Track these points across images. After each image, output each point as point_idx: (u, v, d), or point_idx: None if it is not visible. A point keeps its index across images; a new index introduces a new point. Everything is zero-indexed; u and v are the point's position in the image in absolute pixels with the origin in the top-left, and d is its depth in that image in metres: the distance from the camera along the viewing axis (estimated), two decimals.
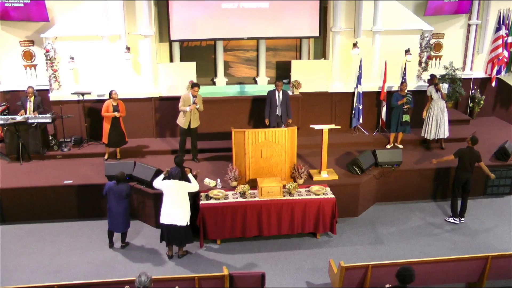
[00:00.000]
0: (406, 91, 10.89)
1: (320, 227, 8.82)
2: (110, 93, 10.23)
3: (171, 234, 8.10)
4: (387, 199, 10.25)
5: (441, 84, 10.86)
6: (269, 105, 10.57)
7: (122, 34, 10.78)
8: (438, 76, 11.80)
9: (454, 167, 9.56)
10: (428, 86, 11.21)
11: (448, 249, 8.65)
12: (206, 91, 11.96)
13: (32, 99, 10.71)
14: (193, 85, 10.07)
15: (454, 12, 12.56)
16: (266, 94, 10.69)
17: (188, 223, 8.13)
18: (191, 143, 10.40)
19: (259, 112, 11.16)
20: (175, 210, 7.94)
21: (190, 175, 8.25)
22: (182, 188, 7.96)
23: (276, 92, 10.49)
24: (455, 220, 9.51)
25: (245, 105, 11.35)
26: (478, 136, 11.91)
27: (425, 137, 11.09)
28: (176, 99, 10.64)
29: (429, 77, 11.55)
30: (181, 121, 10.16)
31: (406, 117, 10.90)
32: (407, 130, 11.05)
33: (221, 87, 12.24)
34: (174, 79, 11.24)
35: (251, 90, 11.91)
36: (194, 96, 10.02)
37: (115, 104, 10.21)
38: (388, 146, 11.13)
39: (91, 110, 11.01)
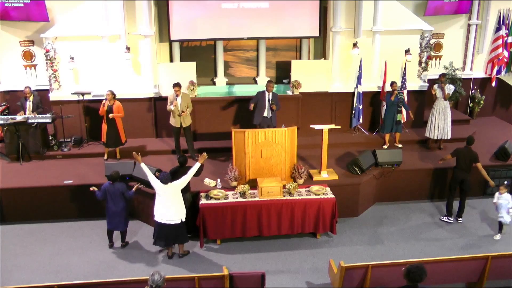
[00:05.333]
0: (397, 91, 10.83)
1: (320, 227, 8.81)
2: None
3: (163, 233, 8.04)
4: (387, 199, 10.25)
5: (447, 85, 10.81)
6: (257, 107, 10.27)
7: (122, 34, 10.78)
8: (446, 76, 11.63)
9: (453, 167, 9.56)
10: (434, 84, 11.15)
11: (448, 249, 8.64)
12: (206, 91, 11.99)
13: (30, 98, 10.71)
14: (174, 85, 9.99)
15: (454, 12, 12.55)
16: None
17: (183, 220, 8.06)
18: (186, 142, 10.37)
19: None
20: (166, 209, 7.92)
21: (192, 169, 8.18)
22: (172, 190, 7.90)
23: (266, 93, 10.27)
24: (449, 220, 9.51)
25: (245, 105, 11.33)
26: (478, 136, 11.97)
27: (429, 136, 11.08)
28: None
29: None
30: (172, 120, 10.17)
31: (399, 117, 10.91)
32: (399, 129, 11.07)
33: (221, 87, 12.25)
34: (174, 79, 11.19)
35: (251, 90, 11.90)
36: (177, 96, 9.97)
37: (110, 104, 10.18)
38: (385, 147, 11.11)
39: (91, 110, 11.00)
